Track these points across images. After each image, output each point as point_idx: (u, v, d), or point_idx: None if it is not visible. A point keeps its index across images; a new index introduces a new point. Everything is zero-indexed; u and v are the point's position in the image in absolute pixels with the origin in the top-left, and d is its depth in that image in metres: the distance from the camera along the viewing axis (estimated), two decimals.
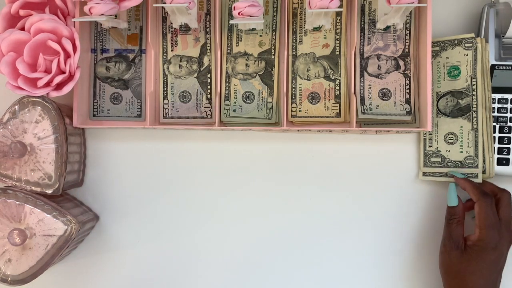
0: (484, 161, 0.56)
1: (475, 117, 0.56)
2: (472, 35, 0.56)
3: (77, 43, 0.52)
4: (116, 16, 0.55)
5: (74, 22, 0.55)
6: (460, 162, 0.56)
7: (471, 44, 0.56)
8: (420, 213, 0.59)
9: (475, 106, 0.56)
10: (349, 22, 0.58)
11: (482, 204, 0.52)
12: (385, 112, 0.58)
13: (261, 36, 0.59)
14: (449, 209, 0.55)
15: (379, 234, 0.59)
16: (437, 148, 0.57)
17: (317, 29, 0.58)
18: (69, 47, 0.52)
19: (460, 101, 0.56)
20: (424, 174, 0.58)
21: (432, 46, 0.56)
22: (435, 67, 0.58)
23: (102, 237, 0.60)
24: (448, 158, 0.57)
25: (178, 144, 0.60)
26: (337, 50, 0.58)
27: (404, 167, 0.60)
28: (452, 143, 0.57)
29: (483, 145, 0.56)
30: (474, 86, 0.56)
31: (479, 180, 0.56)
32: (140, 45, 0.59)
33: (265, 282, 0.60)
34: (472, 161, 0.56)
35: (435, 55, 0.58)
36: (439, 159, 0.57)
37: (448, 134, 0.57)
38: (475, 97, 0.56)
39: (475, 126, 0.56)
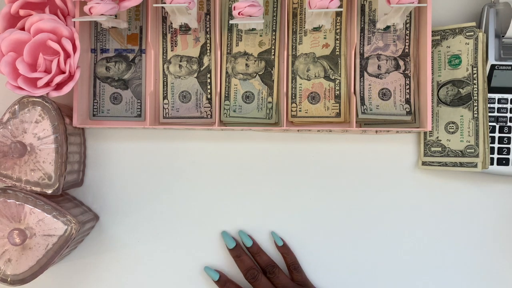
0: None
1: (475, 106, 0.55)
2: (474, 24, 0.56)
3: (77, 43, 0.52)
4: (116, 16, 0.55)
5: (74, 22, 0.55)
6: (461, 151, 0.56)
7: (472, 33, 0.56)
8: (419, 211, 0.59)
9: (476, 95, 0.55)
10: (349, 22, 0.58)
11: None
12: (385, 112, 0.58)
13: (261, 36, 0.59)
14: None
15: (378, 234, 0.59)
16: (438, 137, 0.57)
17: (317, 29, 0.58)
18: (69, 47, 0.52)
19: (460, 90, 0.56)
20: (424, 163, 0.58)
21: (432, 35, 0.56)
22: (435, 56, 0.57)
23: (102, 237, 0.60)
24: (449, 148, 0.56)
25: (178, 144, 0.60)
26: (337, 50, 0.58)
27: (404, 167, 0.60)
28: (453, 132, 0.56)
29: (483, 134, 0.55)
30: (475, 75, 0.55)
31: (478, 169, 0.55)
32: (140, 45, 0.59)
33: None
34: (472, 150, 0.55)
35: (435, 44, 0.57)
36: (440, 149, 0.56)
37: (449, 123, 0.56)
38: (476, 86, 0.55)
39: (475, 115, 0.55)
